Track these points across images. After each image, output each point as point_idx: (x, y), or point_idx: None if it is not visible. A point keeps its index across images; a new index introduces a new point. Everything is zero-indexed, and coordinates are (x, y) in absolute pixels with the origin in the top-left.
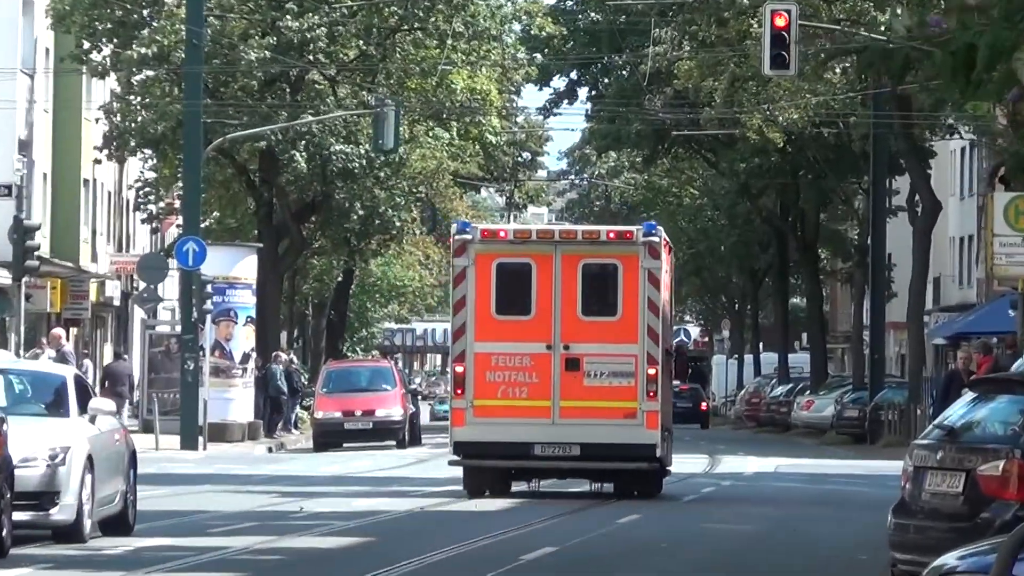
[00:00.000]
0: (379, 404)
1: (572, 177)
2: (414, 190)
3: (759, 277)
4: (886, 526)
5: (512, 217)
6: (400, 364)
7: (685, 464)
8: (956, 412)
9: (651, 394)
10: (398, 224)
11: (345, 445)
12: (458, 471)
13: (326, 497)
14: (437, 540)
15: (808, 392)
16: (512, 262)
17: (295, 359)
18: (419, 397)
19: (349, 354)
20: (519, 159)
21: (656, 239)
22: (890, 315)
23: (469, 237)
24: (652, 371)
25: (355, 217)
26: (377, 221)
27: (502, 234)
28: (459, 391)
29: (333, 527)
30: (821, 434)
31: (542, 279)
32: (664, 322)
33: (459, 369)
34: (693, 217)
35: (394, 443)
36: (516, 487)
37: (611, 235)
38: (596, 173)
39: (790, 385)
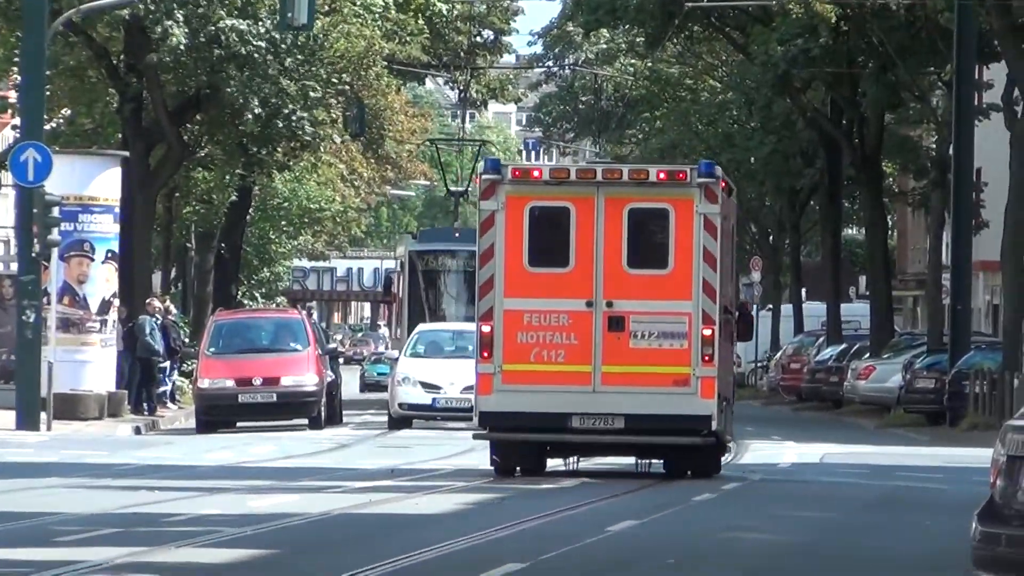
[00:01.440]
0: (285, 369)
1: (549, 64)
2: (334, 80)
3: (802, 200)
4: (969, 536)
5: (465, 117)
6: (315, 316)
7: None
8: None
9: (707, 358)
10: (311, 127)
11: (239, 424)
12: (391, 457)
13: (214, 494)
14: (360, 553)
15: (867, 356)
16: (548, 206)
17: (173, 308)
18: (340, 360)
19: (246, 302)
20: (477, 39)
21: (714, 180)
22: (979, 252)
23: (498, 177)
24: (708, 332)
25: (253, 117)
26: (283, 122)
27: (536, 174)
28: (486, 353)
29: (222, 535)
30: (884, 412)
31: (582, 226)
32: (723, 276)
33: (486, 329)
34: (713, 119)
35: (306, 422)
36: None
37: (662, 175)
38: (582, 59)
39: (843, 346)
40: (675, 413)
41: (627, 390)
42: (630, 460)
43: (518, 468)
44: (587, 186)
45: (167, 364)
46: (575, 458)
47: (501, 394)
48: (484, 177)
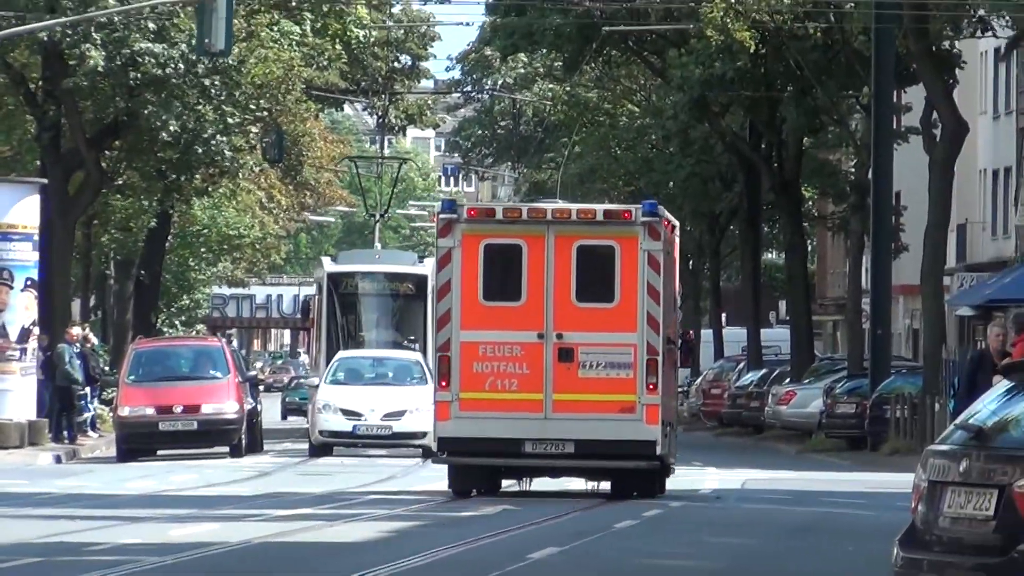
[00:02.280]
0: (206, 397)
1: (467, 88)
2: (252, 106)
3: (721, 224)
4: (891, 562)
5: (384, 143)
6: (235, 343)
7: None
8: (986, 407)
9: (651, 386)
10: (230, 152)
11: (160, 452)
12: (309, 485)
13: (135, 523)
14: None
15: (788, 381)
16: (501, 243)
17: (92, 336)
18: (260, 388)
19: (165, 330)
20: (395, 64)
21: (657, 219)
22: (899, 276)
23: (455, 216)
24: (652, 362)
25: (172, 142)
26: (202, 148)
27: (490, 213)
28: (444, 383)
29: (142, 565)
30: (806, 437)
31: (533, 262)
32: (666, 308)
33: (444, 359)
34: (632, 143)
35: (227, 450)
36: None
37: (608, 215)
38: (500, 83)
39: (763, 371)
40: (622, 439)
41: (576, 417)
42: (580, 481)
43: (474, 491)
44: (538, 224)
45: (87, 392)
46: (528, 479)
47: (458, 421)
48: (441, 216)
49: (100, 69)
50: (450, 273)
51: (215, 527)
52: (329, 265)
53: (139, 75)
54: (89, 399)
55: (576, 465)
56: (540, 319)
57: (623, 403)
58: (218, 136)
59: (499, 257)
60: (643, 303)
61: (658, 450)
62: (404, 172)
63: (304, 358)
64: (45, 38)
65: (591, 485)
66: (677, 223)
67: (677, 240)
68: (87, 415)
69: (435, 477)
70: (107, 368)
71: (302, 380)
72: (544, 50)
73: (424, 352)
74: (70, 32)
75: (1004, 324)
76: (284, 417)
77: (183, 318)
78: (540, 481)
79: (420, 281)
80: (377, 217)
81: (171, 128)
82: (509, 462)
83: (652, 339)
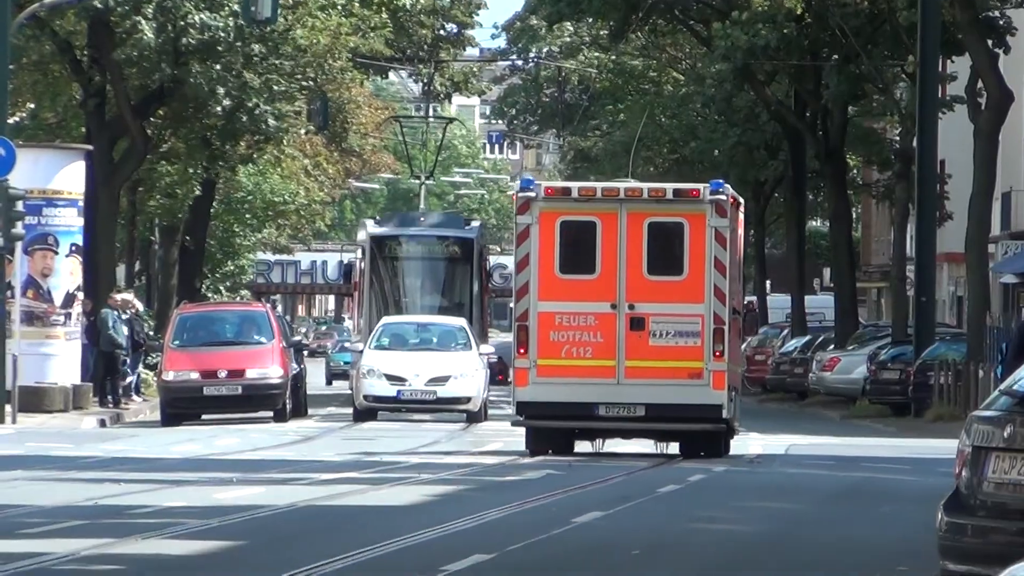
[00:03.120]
0: (250, 362)
1: (513, 57)
2: (298, 74)
3: (766, 193)
4: (935, 527)
5: (429, 110)
6: (279, 309)
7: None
8: None
9: (718, 354)
10: (276, 120)
11: (204, 417)
12: (353, 449)
13: (179, 486)
14: (327, 544)
15: (832, 347)
16: (577, 220)
17: (137, 302)
18: (304, 353)
19: (210, 295)
20: (441, 32)
21: (723, 197)
22: (943, 244)
23: (533, 194)
24: (719, 331)
25: (218, 110)
26: (247, 116)
27: (566, 191)
28: (522, 350)
29: (188, 527)
30: (849, 403)
31: (607, 238)
32: (731, 281)
33: (522, 328)
34: (677, 111)
35: (271, 414)
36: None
37: (677, 193)
38: (546, 52)
39: (807, 338)
40: (690, 403)
41: (647, 382)
42: (649, 443)
43: (550, 450)
44: (611, 202)
45: (130, 357)
46: (600, 441)
47: (536, 386)
48: (520, 195)
49: (150, 43)
50: (528, 248)
51: (260, 490)
52: (372, 228)
53: (188, 43)
54: (133, 365)
55: (647, 427)
56: (613, 291)
57: (691, 369)
58: (262, 105)
59: (575, 233)
60: (710, 276)
61: (724, 413)
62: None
63: (348, 323)
64: (98, 5)
65: (660, 447)
66: (743, 200)
67: (742, 216)
68: (131, 379)
69: (479, 441)
70: (151, 333)
71: (347, 345)
72: (590, 18)
73: (471, 316)
74: (121, 1)
75: None
76: (329, 382)
77: (228, 284)
78: (611, 443)
79: (466, 245)
80: (423, 180)
81: (219, 96)
82: (583, 424)
83: (719, 309)
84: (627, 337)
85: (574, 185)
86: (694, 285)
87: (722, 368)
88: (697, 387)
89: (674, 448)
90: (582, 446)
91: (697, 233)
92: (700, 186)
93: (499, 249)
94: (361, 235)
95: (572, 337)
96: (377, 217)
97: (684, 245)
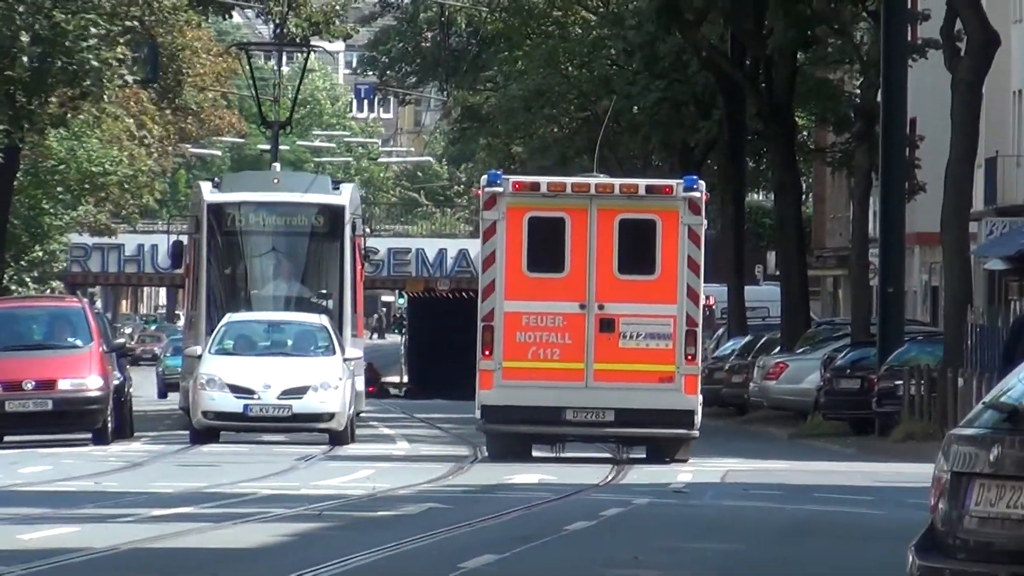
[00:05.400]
0: (63, 371)
1: None
2: (120, 13)
3: (696, 159)
4: (906, 572)
5: (282, 57)
6: (98, 304)
7: (573, 472)
8: (1022, 383)
9: (690, 357)
10: (94, 69)
11: (7, 439)
12: (190, 479)
13: None
14: None
15: (778, 350)
16: (545, 216)
17: None
18: (127, 359)
19: (13, 288)
20: None
21: (697, 194)
22: (913, 223)
23: (500, 189)
24: (691, 333)
25: (23, 60)
26: (59, 63)
27: (535, 186)
28: (487, 352)
29: None
30: (800, 419)
31: (576, 235)
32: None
33: (488, 328)
34: (587, 59)
35: (89, 435)
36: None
37: (649, 189)
38: None
39: (748, 338)
40: (661, 408)
41: (617, 386)
42: (609, 447)
43: (510, 456)
44: (581, 198)
45: None
46: (560, 446)
47: (501, 389)
48: (486, 189)
49: None
50: (495, 245)
51: (75, 530)
52: (210, 193)
53: None
54: None
55: (616, 433)
56: (582, 290)
57: (662, 373)
58: (80, 49)
59: (543, 229)
60: (683, 276)
61: (697, 419)
62: (308, 87)
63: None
64: None
65: (624, 452)
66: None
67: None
68: None
69: (345, 468)
70: None
71: (182, 348)
72: None
73: (340, 311)
74: None
75: None
76: (163, 395)
77: (35, 273)
78: (571, 447)
79: (335, 214)
80: (276, 129)
81: (23, 42)
82: (551, 430)
83: (692, 311)
84: (596, 339)
85: (543, 180)
86: (666, 285)
87: (695, 372)
88: (668, 392)
89: (638, 452)
90: (541, 450)
91: (670, 231)
92: (673, 182)
93: (368, 230)
94: (195, 203)
95: (539, 338)
96: (216, 179)
97: (656, 243)
